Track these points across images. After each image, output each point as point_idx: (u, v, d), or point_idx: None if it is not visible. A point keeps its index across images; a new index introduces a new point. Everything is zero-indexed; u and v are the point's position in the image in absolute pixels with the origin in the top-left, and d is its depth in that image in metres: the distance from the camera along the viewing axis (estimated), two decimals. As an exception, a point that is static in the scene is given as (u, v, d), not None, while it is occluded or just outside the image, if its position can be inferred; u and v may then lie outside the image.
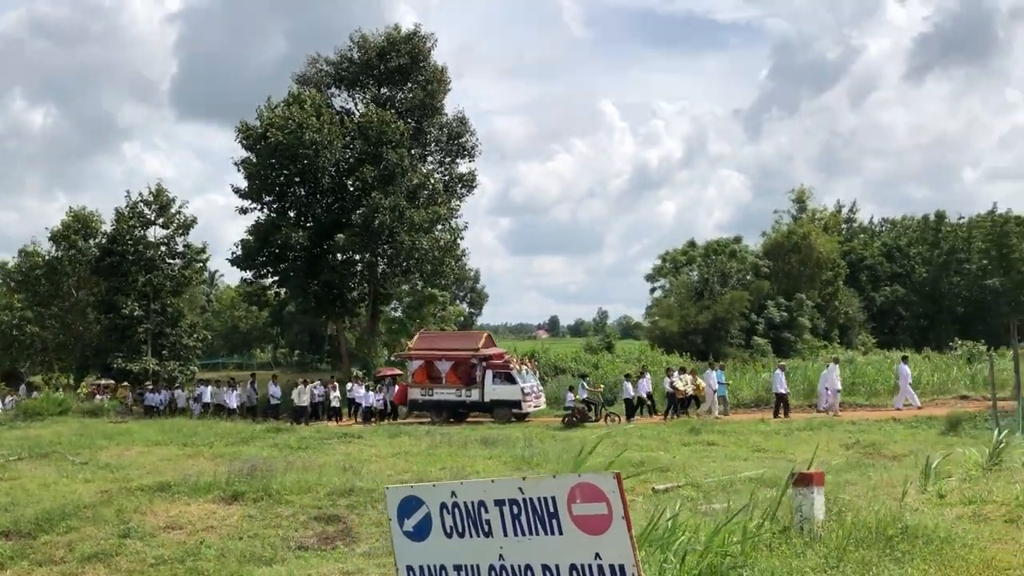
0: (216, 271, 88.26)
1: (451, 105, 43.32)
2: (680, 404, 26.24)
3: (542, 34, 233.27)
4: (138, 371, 41.44)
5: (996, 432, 11.58)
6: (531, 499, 3.93)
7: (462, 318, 69.39)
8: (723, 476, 13.73)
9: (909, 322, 67.30)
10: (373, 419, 30.11)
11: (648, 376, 28.24)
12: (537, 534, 3.93)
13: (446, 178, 43.17)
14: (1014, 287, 64.30)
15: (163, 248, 44.12)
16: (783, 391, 25.11)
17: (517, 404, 27.71)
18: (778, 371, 25.96)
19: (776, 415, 24.57)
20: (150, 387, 35.82)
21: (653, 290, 65.80)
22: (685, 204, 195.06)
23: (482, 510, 4.09)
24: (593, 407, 26.69)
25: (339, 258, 39.03)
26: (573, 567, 3.83)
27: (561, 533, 3.85)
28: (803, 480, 6.68)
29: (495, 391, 27.85)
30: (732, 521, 6.10)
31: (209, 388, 33.16)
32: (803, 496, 6.63)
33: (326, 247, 38.53)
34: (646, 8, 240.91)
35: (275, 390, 31.97)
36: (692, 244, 64.97)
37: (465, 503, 4.16)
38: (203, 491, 14.07)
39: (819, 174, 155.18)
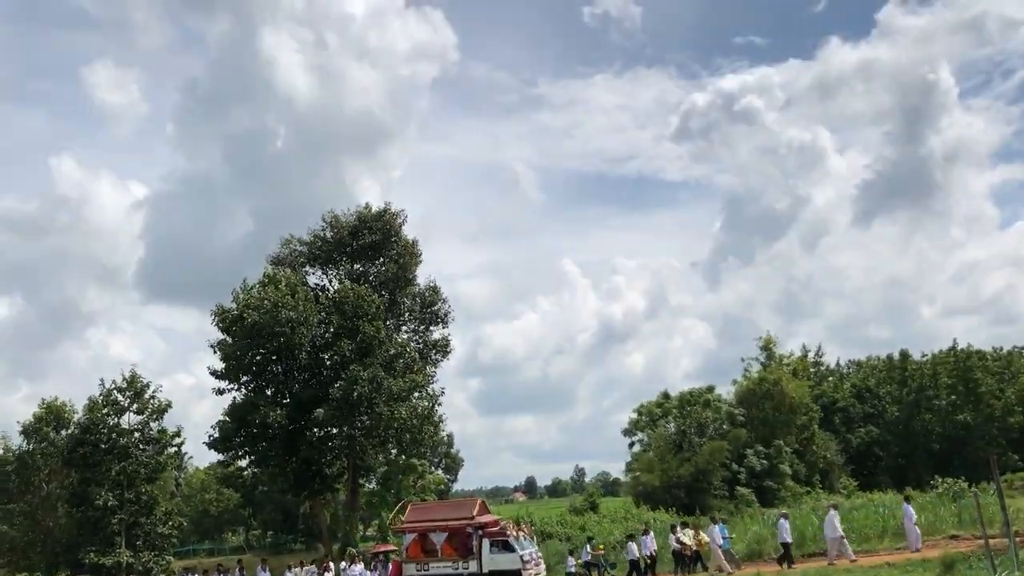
0: (185, 453, 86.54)
1: (422, 275, 44.42)
2: (685, 561, 25.93)
3: (501, 200, 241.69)
4: (111, 565, 39.99)
5: (997, 572, 11.80)
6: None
7: (442, 486, 68.33)
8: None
9: (887, 462, 67.53)
10: None
11: (651, 534, 27.78)
12: None
13: (420, 345, 43.71)
14: (985, 421, 65.19)
15: (137, 434, 43.52)
16: (788, 540, 25.01)
17: (517, 573, 26.52)
18: (782, 520, 26.03)
19: (781, 564, 24.36)
20: None
21: (631, 444, 65.64)
22: (653, 355, 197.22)
23: None
24: (596, 570, 26.18)
25: (317, 433, 38.79)
26: None
27: None
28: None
29: (494, 561, 26.65)
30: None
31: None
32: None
33: (304, 423, 38.41)
34: (598, 171, 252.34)
35: (264, 575, 30.96)
36: (666, 396, 65.48)
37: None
38: None
39: (780, 318, 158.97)
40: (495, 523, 28.54)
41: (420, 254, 43.80)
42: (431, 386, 42.09)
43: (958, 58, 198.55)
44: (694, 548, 26.27)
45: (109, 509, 41.04)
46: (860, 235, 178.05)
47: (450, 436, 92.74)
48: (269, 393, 39.15)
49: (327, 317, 39.20)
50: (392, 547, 31.83)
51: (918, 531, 24.82)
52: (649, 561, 26.72)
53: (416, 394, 40.33)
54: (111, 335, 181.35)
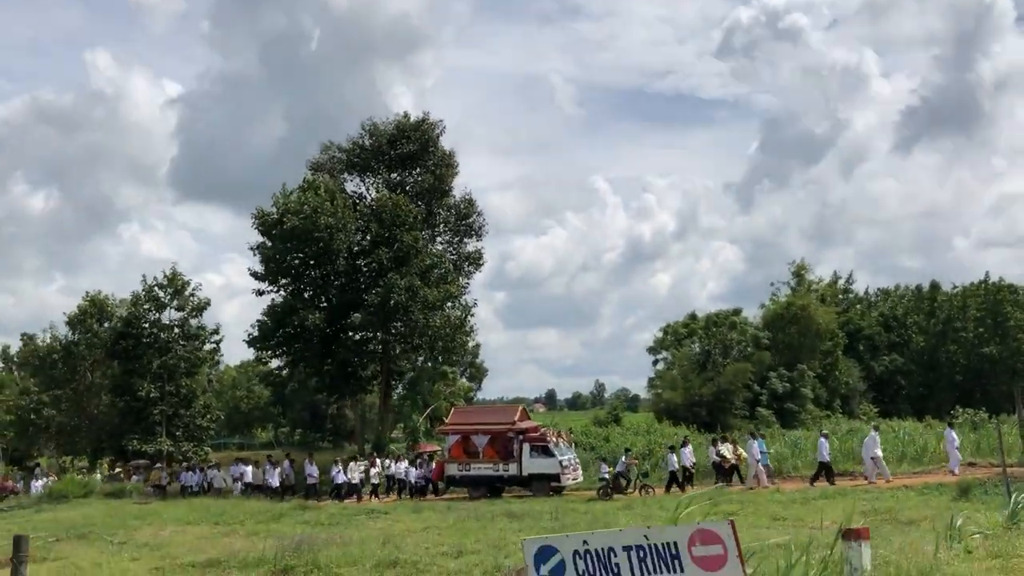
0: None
1: (457, 187, 44.67)
2: (724, 473, 26.50)
3: (534, 113, 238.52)
4: (152, 452, 41.93)
5: (1013, 495, 12.37)
6: (655, 544, 4.84)
7: (471, 394, 69.91)
8: (750, 543, 14.43)
9: (909, 391, 68.04)
10: (402, 495, 30.37)
11: (690, 447, 28.15)
12: (661, 573, 4.82)
13: (454, 257, 44.34)
14: (1010, 355, 65.38)
15: (177, 330, 45.03)
16: (827, 459, 25.52)
17: (556, 477, 27.54)
18: (822, 439, 26.46)
19: (813, 482, 24.90)
20: (185, 467, 36.10)
21: (655, 362, 66.68)
22: (679, 276, 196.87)
23: (611, 555, 4.99)
24: (627, 480, 26.98)
25: (354, 337, 39.84)
26: (694, 599, 4.71)
27: (683, 571, 4.75)
28: (851, 535, 7.54)
29: (533, 465, 27.72)
30: (794, 571, 6.94)
31: (250, 468, 33.49)
32: (852, 549, 7.48)
33: (340, 327, 39.43)
34: (635, 87, 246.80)
35: (312, 469, 32.26)
36: (693, 316, 66.17)
37: (596, 550, 5.06)
38: (253, 566, 14.70)
39: (811, 244, 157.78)
40: (535, 429, 29.65)
41: (457, 165, 44.01)
42: (464, 297, 42.90)
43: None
44: (733, 461, 26.90)
45: (151, 400, 42.84)
46: (900, 162, 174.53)
47: (476, 347, 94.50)
48: (307, 296, 40.09)
49: (365, 225, 39.80)
50: (436, 447, 33.01)
51: (959, 455, 25.18)
52: (688, 473, 27.04)
53: (449, 304, 41.12)
54: (143, 232, 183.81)
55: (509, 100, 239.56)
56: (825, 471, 25.31)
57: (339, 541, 16.90)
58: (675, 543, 4.74)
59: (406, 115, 43.75)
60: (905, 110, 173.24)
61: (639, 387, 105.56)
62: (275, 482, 31.95)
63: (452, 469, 29.03)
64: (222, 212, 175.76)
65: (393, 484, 31.11)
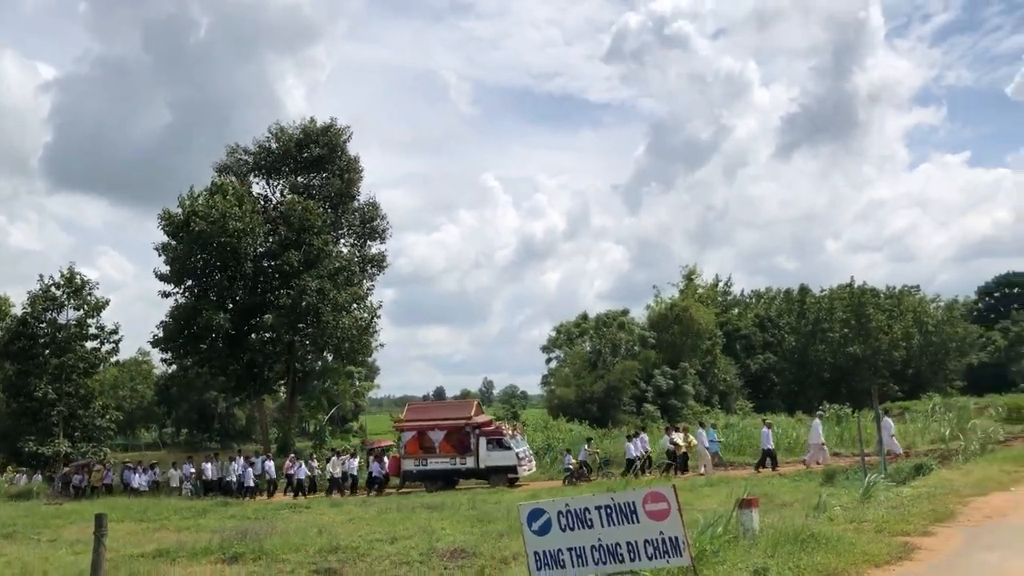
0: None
1: (363, 190, 45.90)
2: (675, 460, 28.27)
3: (427, 109, 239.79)
4: (51, 454, 41.50)
5: (866, 478, 15.01)
6: (619, 503, 6.81)
7: (372, 393, 70.83)
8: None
9: (781, 387, 72.93)
10: (342, 491, 30.91)
11: (644, 436, 30.09)
12: (623, 524, 6.80)
13: (358, 259, 45.54)
14: (872, 354, 70.94)
15: (75, 329, 44.54)
16: (770, 447, 27.67)
17: (513, 469, 28.72)
18: (765, 429, 28.62)
19: (759, 469, 26.97)
20: (131, 467, 35.65)
21: (548, 360, 69.40)
22: (569, 275, 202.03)
23: (586, 512, 6.94)
24: (589, 468, 28.57)
25: (263, 337, 40.59)
26: (647, 541, 6.72)
27: (638, 522, 6.74)
28: (746, 504, 9.81)
29: (491, 458, 28.79)
30: (704, 533, 9.12)
31: (210, 465, 33.83)
32: (746, 515, 9.75)
33: (247, 328, 40.14)
34: (524, 87, 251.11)
35: (239, 466, 32.76)
36: (584, 317, 69.26)
37: (574, 509, 7.00)
38: (201, 555, 15.84)
39: (695, 246, 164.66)
40: (490, 423, 30.75)
41: (362, 170, 45.31)
42: (369, 299, 44.22)
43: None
44: (684, 449, 28.64)
45: (47, 401, 42.31)
46: (780, 168, 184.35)
47: (380, 347, 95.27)
48: (212, 297, 40.57)
49: (274, 228, 40.65)
50: (389, 442, 33.63)
51: (896, 442, 26.43)
52: (645, 460, 28.64)
53: (355, 305, 42.37)
54: (12, 223, 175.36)
55: (403, 96, 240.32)
56: (770, 458, 27.45)
57: (279, 532, 18.04)
58: (633, 502, 6.73)
59: (312, 120, 44.79)
60: (786, 117, 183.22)
61: (528, 384, 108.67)
62: (250, 481, 32.24)
63: (409, 464, 29.70)
64: (98, 202, 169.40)
65: (346, 481, 31.49)
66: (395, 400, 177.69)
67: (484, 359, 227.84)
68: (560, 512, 7.05)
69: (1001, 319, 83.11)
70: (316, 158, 43.72)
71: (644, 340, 63.67)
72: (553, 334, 68.90)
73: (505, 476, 28.79)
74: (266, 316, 38.66)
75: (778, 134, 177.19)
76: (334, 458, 31.96)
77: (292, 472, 31.86)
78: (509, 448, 28.88)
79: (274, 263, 40.38)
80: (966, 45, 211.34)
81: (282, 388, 44.24)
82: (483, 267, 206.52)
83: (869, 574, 8.85)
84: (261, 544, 15.79)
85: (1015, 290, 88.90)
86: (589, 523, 6.91)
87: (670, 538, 6.61)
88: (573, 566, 6.96)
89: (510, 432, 30.26)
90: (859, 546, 9.75)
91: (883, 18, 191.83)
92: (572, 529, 6.98)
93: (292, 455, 33.87)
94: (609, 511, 6.84)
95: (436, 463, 29.46)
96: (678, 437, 29.08)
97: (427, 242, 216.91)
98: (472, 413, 30.33)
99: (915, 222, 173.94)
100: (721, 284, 79.36)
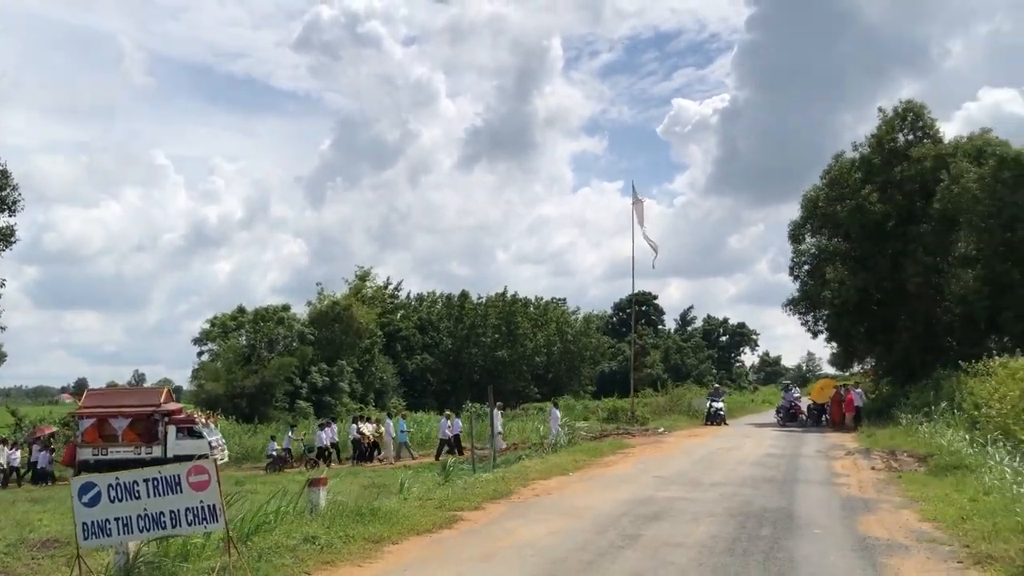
0: None
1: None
2: (363, 449, 29.40)
3: (94, 74, 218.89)
4: None
5: (450, 466, 17.04)
6: (165, 476, 7.65)
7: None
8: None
9: (436, 387, 76.97)
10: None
11: (334, 427, 30.94)
12: (168, 495, 7.65)
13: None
14: (518, 358, 77.47)
15: None
16: (448, 436, 29.71)
17: (204, 458, 27.79)
18: (444, 420, 30.76)
19: (438, 457, 28.36)
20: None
21: (201, 353, 67.07)
22: (242, 265, 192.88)
23: (135, 485, 7.69)
24: (291, 455, 28.78)
25: None
26: (187, 509, 7.62)
27: (182, 492, 7.63)
28: (315, 483, 11.05)
29: (180, 446, 27.67)
30: (268, 507, 10.18)
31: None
32: (315, 493, 10.98)
33: None
34: (205, 64, 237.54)
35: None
36: (242, 310, 67.74)
37: (124, 482, 7.72)
38: None
39: (376, 245, 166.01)
40: (180, 411, 29.69)
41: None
42: (-9, 276, 40.17)
43: (569, 29, 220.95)
44: (372, 439, 29.83)
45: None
46: (460, 178, 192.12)
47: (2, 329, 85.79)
48: None
49: None
50: (53, 429, 30.97)
51: (560, 430, 28.70)
52: (333, 449, 29.74)
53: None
54: None
55: (68, 55, 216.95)
56: (448, 446, 29.49)
57: None
58: (179, 475, 7.61)
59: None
60: (470, 130, 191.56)
61: (183, 378, 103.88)
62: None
63: (86, 454, 27.88)
64: None
65: (10, 473, 28.98)
66: (28, 391, 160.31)
67: (139, 350, 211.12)
68: (110, 485, 7.73)
69: (629, 332, 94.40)
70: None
71: (303, 336, 63.93)
72: (207, 326, 66.64)
73: None
74: None
75: (461, 145, 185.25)
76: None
77: None
78: (201, 436, 28.33)
79: None
80: (626, 84, 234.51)
81: None
82: (146, 250, 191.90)
83: (409, 540, 10.42)
84: None
85: (642, 307, 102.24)
86: (137, 495, 7.66)
87: (208, 506, 7.57)
88: (119, 533, 7.66)
89: (203, 420, 29.71)
90: (412, 519, 11.36)
91: (561, 49, 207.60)
92: (120, 500, 7.68)
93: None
94: (156, 483, 7.65)
95: (118, 452, 27.97)
96: (366, 427, 30.68)
97: (83, 218, 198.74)
98: (162, 400, 29.43)
99: (574, 240, 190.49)
100: (391, 287, 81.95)
